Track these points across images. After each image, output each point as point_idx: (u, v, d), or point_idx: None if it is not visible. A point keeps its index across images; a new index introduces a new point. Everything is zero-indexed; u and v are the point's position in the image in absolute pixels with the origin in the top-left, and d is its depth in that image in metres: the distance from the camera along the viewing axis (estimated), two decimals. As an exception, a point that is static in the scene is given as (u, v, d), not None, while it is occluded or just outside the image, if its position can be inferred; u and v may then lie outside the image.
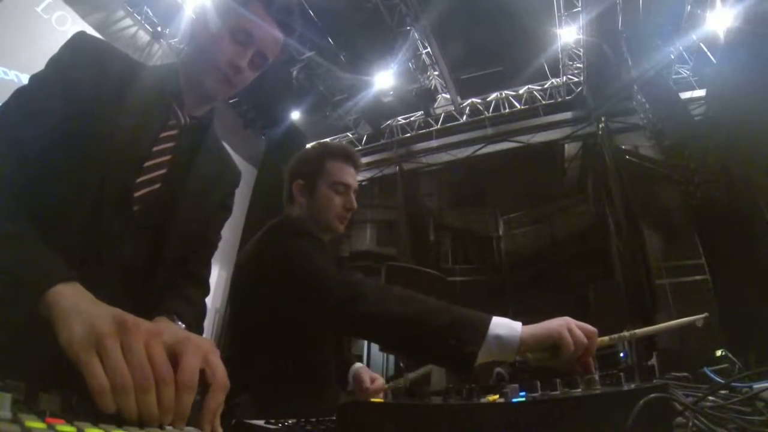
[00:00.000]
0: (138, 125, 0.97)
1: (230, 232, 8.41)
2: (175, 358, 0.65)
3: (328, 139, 10.37)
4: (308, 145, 1.49)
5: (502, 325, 0.96)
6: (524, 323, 1.00)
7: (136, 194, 0.96)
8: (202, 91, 1.05)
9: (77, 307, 0.62)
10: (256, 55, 1.04)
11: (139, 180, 0.96)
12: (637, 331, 1.07)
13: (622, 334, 1.05)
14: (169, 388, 0.57)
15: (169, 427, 0.56)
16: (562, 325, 0.96)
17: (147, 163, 0.97)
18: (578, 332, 0.95)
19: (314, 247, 1.32)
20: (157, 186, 0.98)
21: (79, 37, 1.00)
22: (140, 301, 0.97)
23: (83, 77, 0.93)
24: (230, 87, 1.05)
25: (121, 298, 0.94)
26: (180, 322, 0.86)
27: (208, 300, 1.13)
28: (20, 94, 0.92)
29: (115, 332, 0.57)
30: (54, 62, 0.95)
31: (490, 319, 0.97)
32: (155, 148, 0.99)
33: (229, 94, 1.09)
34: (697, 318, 1.07)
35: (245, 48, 1.02)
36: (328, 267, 1.23)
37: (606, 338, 1.03)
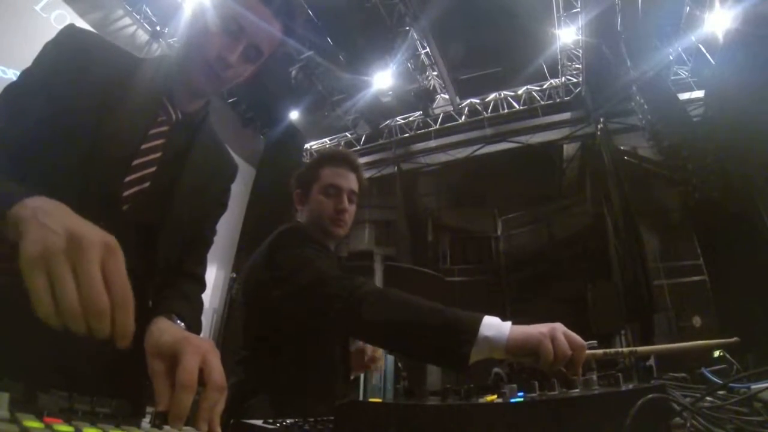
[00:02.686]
0: (125, 122, 0.94)
1: (229, 232, 8.41)
2: (174, 357, 0.65)
3: (327, 139, 10.40)
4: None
5: (491, 327, 0.99)
6: (522, 324, 1.00)
7: (125, 193, 0.93)
8: (189, 85, 1.02)
9: (35, 216, 0.56)
10: (249, 47, 0.99)
11: (127, 179, 0.94)
12: (638, 348, 1.05)
13: (620, 350, 1.04)
14: (124, 313, 0.55)
15: (166, 427, 0.56)
16: (546, 333, 0.96)
17: (135, 162, 0.95)
18: (563, 343, 0.95)
19: (319, 254, 1.36)
20: (146, 185, 0.96)
21: (67, 31, 0.97)
22: (136, 301, 0.96)
23: (67, 72, 0.91)
24: (220, 82, 1.01)
25: None
26: (180, 322, 0.86)
27: (207, 300, 1.13)
28: (7, 90, 0.91)
29: (64, 250, 0.53)
30: (40, 57, 0.93)
31: (480, 321, 1.00)
32: (144, 146, 0.96)
33: (221, 89, 1.06)
34: (715, 342, 1.05)
35: (236, 41, 0.97)
36: (333, 273, 1.25)
37: (600, 351, 1.02)
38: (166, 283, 1.02)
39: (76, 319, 0.51)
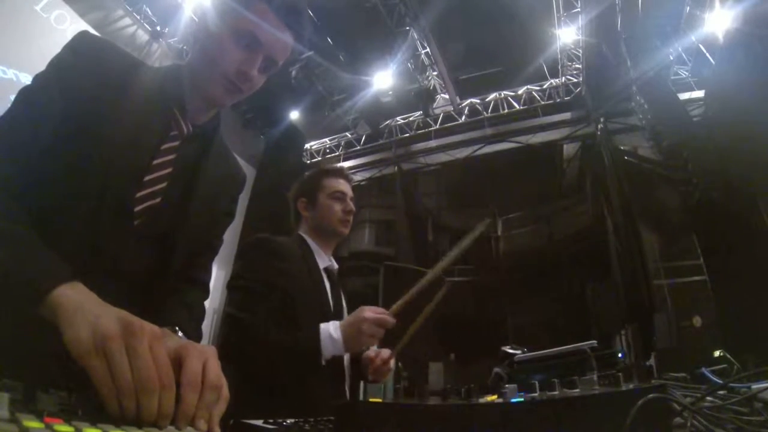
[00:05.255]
0: (137, 137, 0.94)
1: (229, 232, 8.35)
2: (178, 361, 0.66)
3: (327, 139, 10.39)
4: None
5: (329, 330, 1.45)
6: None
7: (136, 209, 0.94)
8: (207, 99, 1.02)
9: (81, 307, 0.61)
10: (266, 59, 0.99)
11: (138, 194, 0.94)
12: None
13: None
14: (170, 393, 0.58)
15: (170, 427, 0.56)
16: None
17: (147, 177, 0.95)
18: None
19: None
20: (157, 200, 0.96)
21: (81, 37, 0.97)
22: (146, 312, 0.96)
23: (83, 79, 0.91)
24: (239, 95, 1.01)
25: (127, 310, 0.95)
26: (180, 334, 0.87)
27: (207, 301, 1.14)
28: (22, 95, 0.90)
29: (120, 335, 0.57)
30: (55, 63, 0.93)
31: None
32: (155, 161, 0.96)
33: (237, 100, 1.06)
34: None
35: (254, 54, 0.97)
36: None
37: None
38: (171, 290, 1.02)
39: (129, 396, 0.55)
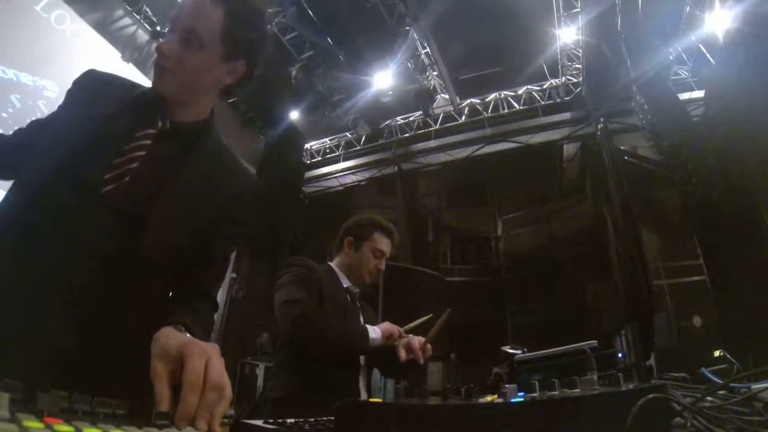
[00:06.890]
0: (111, 126, 1.01)
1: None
2: (180, 359, 0.66)
3: (327, 139, 10.36)
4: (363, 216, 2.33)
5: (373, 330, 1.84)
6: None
7: (105, 189, 0.98)
8: (158, 90, 1.07)
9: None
10: (186, 33, 1.02)
11: (108, 176, 0.98)
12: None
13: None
14: None
15: (168, 427, 0.56)
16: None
17: (116, 161, 1.00)
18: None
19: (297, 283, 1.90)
20: (125, 178, 0.99)
21: (85, 73, 1.12)
22: (117, 289, 0.97)
23: (74, 101, 1.06)
24: (163, 73, 1.04)
25: (105, 293, 0.95)
26: (186, 333, 0.86)
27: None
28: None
29: None
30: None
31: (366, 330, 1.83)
32: (127, 147, 1.02)
33: (169, 83, 1.06)
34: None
35: (172, 32, 1.03)
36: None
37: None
38: (178, 299, 1.03)
39: None
